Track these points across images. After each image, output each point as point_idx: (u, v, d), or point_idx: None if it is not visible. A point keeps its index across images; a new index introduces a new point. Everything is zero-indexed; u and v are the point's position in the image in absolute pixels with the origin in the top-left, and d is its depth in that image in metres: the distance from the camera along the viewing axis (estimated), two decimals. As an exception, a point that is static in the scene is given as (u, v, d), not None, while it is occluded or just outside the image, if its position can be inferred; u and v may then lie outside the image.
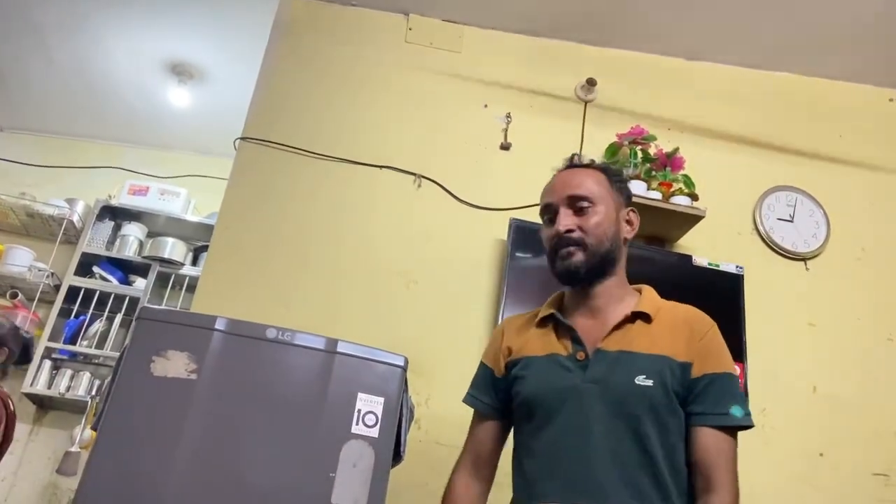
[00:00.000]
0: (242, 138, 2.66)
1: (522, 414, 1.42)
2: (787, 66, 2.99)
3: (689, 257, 2.50)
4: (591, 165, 1.52)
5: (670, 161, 2.58)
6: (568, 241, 1.40)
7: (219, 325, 1.52)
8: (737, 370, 1.37)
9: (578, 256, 1.39)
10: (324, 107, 2.76)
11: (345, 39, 2.89)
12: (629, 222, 1.48)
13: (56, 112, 4.12)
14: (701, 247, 2.60)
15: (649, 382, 1.29)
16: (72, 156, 4.20)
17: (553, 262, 1.44)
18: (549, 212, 1.47)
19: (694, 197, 2.52)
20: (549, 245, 1.44)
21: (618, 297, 1.43)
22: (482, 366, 1.59)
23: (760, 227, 2.72)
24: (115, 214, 3.95)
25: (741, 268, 2.50)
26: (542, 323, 1.48)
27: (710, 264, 2.48)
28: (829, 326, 2.61)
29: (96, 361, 3.65)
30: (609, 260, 1.42)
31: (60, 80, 3.80)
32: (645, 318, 1.39)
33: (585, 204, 1.42)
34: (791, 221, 2.75)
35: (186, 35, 3.37)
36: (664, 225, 2.53)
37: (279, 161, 2.62)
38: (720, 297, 2.43)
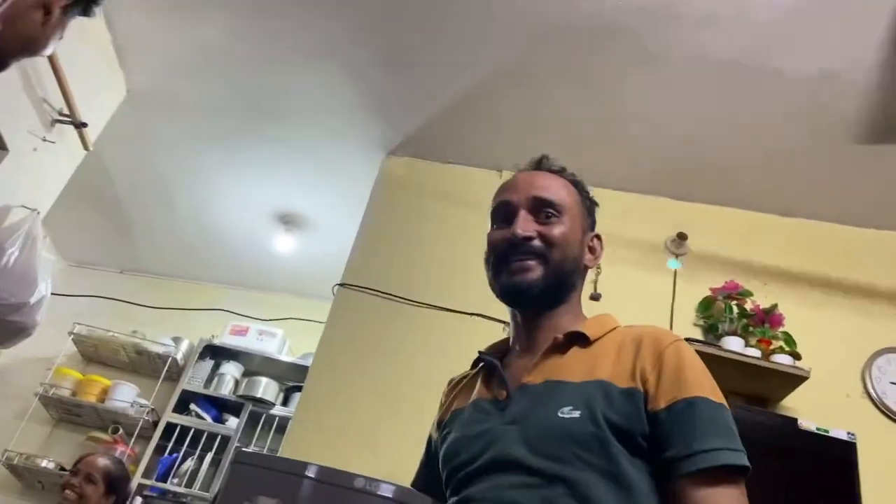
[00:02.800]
0: (341, 284, 2.79)
1: (445, 474, 1.13)
2: (889, 223, 2.91)
3: (794, 420, 2.35)
4: (561, 173, 1.27)
5: (768, 317, 2.51)
6: (526, 249, 1.11)
7: (310, 472, 1.54)
8: (720, 399, 0.97)
9: (536, 272, 1.10)
10: (419, 256, 2.88)
11: (441, 194, 3.06)
12: (591, 249, 1.23)
13: (172, 256, 4.46)
14: (806, 409, 2.45)
15: (575, 414, 0.96)
16: (181, 297, 4.49)
17: (499, 273, 1.14)
18: (503, 212, 1.18)
19: (796, 356, 2.41)
20: (498, 251, 1.14)
21: (564, 328, 1.12)
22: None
23: (871, 391, 2.56)
24: (216, 353, 4.13)
25: (853, 434, 2.33)
26: (477, 369, 1.24)
27: (818, 429, 2.32)
28: (959, 504, 2.35)
29: (184, 500, 3.68)
30: (568, 284, 1.15)
31: (179, 228, 4.15)
32: (582, 340, 1.08)
33: (552, 211, 1.15)
34: (905, 385, 2.57)
35: (294, 188, 3.66)
36: (765, 385, 2.42)
37: (374, 307, 2.72)
38: (831, 466, 2.26)
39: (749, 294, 2.58)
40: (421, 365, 2.58)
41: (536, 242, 1.12)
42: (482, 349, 1.26)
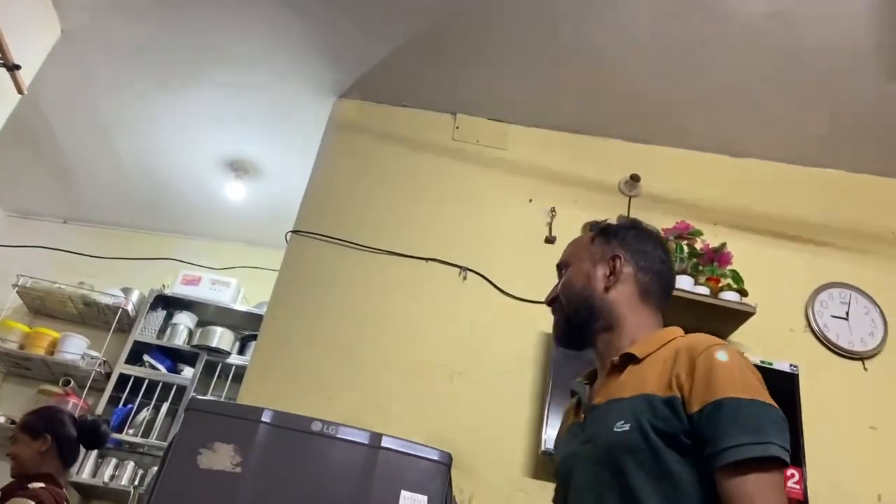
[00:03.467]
0: (294, 231, 2.75)
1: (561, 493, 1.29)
2: (836, 162, 2.99)
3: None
4: (592, 227, 1.43)
5: (717, 256, 2.57)
6: (553, 309, 1.36)
7: (265, 417, 1.54)
8: (752, 395, 1.07)
9: (557, 318, 1.34)
10: (373, 202, 2.85)
11: (395, 138, 3.01)
12: (612, 270, 1.31)
13: (116, 204, 4.32)
14: (752, 344, 2.54)
15: (626, 427, 1.11)
16: (129, 246, 4.37)
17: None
18: None
19: (743, 293, 2.48)
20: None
21: (621, 350, 1.25)
22: None
23: (814, 325, 2.66)
24: (168, 304, 4.06)
25: (795, 366, 2.43)
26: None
27: (762, 362, 2.41)
28: (892, 430, 2.48)
29: (141, 450, 3.67)
30: (591, 315, 1.29)
31: (122, 175, 4.01)
32: (634, 359, 1.21)
33: (563, 270, 1.37)
34: (846, 319, 2.68)
35: (244, 133, 3.55)
36: (714, 321, 2.49)
37: (328, 254, 2.69)
38: (774, 397, 2.35)
39: (699, 234, 2.63)
40: (376, 311, 2.58)
41: (552, 299, 1.36)
42: (578, 378, 1.38)
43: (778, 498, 1.03)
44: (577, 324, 1.30)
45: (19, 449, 2.39)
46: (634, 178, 2.88)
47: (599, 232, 1.37)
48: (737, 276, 2.54)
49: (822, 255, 2.83)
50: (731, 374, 1.09)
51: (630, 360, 1.21)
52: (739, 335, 2.53)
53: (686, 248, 2.60)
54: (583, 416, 1.25)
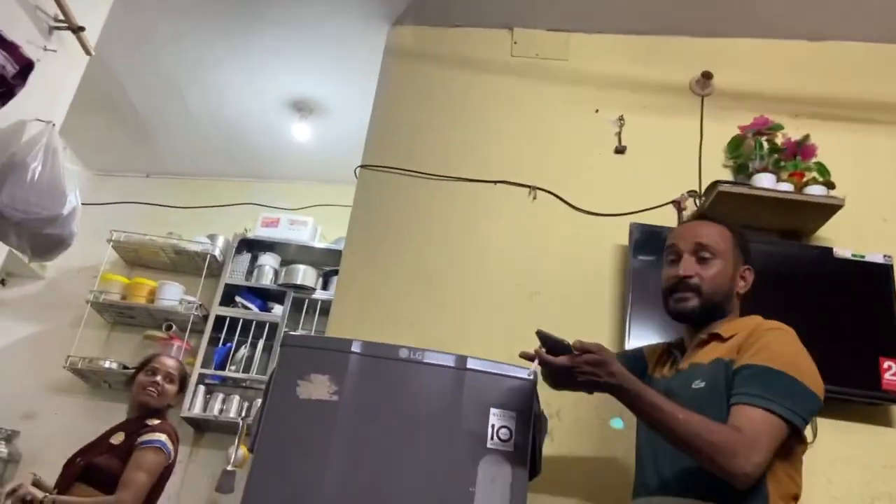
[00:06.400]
0: (362, 166, 2.78)
1: None
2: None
3: (829, 250, 2.35)
4: (721, 221, 1.63)
5: (800, 150, 2.45)
6: (686, 286, 1.55)
7: (355, 347, 1.60)
8: (793, 369, 1.37)
9: (693, 301, 1.54)
10: (436, 128, 2.83)
11: (452, 60, 2.96)
12: (743, 278, 1.60)
13: (193, 155, 4.46)
14: (842, 238, 2.43)
15: (701, 385, 1.44)
16: (210, 195, 4.53)
17: (667, 301, 1.59)
18: (672, 253, 1.61)
19: (830, 185, 2.37)
20: (667, 284, 1.59)
21: (711, 330, 1.56)
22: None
23: (909, 212, 2.52)
24: (252, 247, 4.21)
25: (889, 257, 2.32)
26: (667, 352, 1.70)
27: (853, 255, 2.32)
28: None
29: (244, 385, 3.89)
30: (719, 310, 1.56)
31: (195, 125, 4.12)
32: (719, 338, 1.52)
33: (707, 255, 1.55)
34: (944, 203, 2.52)
35: (304, 73, 3.56)
36: (799, 218, 2.40)
37: (398, 185, 2.72)
38: (867, 291, 2.27)
39: (780, 128, 2.51)
40: (449, 237, 2.61)
41: (694, 280, 1.55)
42: (671, 341, 1.73)
43: (768, 439, 1.29)
44: (708, 313, 1.55)
45: (171, 390, 2.67)
46: (706, 76, 2.74)
47: (740, 238, 1.62)
48: (822, 169, 2.42)
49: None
50: (782, 352, 1.39)
51: (715, 338, 1.52)
52: (828, 230, 2.43)
53: (766, 145, 2.49)
54: (672, 372, 1.59)
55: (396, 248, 2.61)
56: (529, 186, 2.66)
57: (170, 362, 2.73)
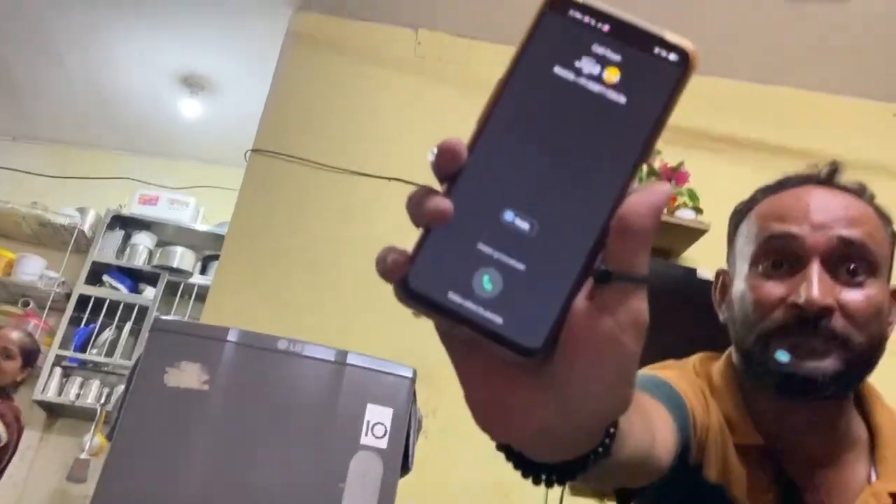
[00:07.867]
0: (254, 150, 2.70)
1: None
2: (789, 80, 3.01)
3: (693, 270, 2.52)
4: (861, 194, 0.84)
5: (675, 175, 2.61)
6: (820, 327, 0.74)
7: (231, 336, 1.55)
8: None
9: (830, 362, 0.74)
10: (333, 119, 2.80)
11: (355, 53, 2.93)
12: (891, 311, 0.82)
13: (68, 122, 4.17)
14: (706, 260, 2.62)
15: None
16: (83, 165, 4.25)
17: (764, 349, 0.78)
18: (780, 249, 0.81)
19: (698, 210, 2.54)
20: (775, 319, 0.77)
21: (845, 429, 0.82)
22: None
23: (765, 241, 2.74)
24: (125, 224, 3.99)
25: (746, 281, 2.51)
26: (744, 449, 0.81)
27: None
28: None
29: (106, 370, 3.69)
30: (866, 373, 0.81)
31: (72, 91, 3.86)
32: None
33: (860, 267, 0.76)
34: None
35: (198, 47, 3.43)
36: (670, 238, 2.56)
37: (289, 173, 2.66)
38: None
39: (658, 153, 2.66)
40: (339, 230, 2.58)
41: (838, 320, 0.74)
42: (748, 424, 0.84)
43: None
44: (850, 383, 0.79)
45: (9, 366, 2.50)
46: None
47: (892, 235, 0.83)
48: (693, 195, 2.59)
49: (775, 171, 2.89)
50: None
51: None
52: (694, 251, 2.61)
53: (645, 167, 2.63)
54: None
55: (283, 236, 2.56)
56: (423, 187, 2.67)
57: (11, 335, 2.54)
